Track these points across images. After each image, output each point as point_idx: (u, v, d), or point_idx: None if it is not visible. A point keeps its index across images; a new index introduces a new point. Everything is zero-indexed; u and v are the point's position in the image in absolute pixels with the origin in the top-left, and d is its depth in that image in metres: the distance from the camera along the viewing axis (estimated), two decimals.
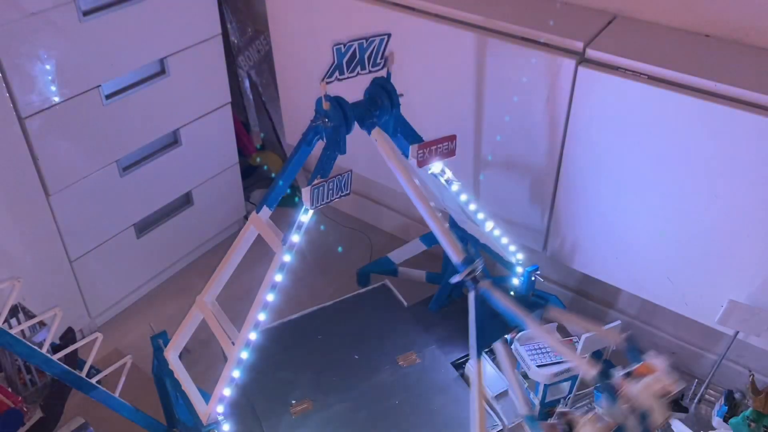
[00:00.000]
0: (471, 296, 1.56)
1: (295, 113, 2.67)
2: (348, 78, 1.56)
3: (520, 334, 2.00)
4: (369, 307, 2.37)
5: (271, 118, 3.07)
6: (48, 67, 2.01)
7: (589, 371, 1.48)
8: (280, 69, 2.60)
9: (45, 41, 1.98)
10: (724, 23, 1.84)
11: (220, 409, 1.72)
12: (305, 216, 1.58)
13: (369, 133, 1.65)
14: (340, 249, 2.77)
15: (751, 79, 1.67)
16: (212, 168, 2.71)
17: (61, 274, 2.31)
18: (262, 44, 2.92)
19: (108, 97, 2.21)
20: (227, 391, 1.70)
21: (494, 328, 1.58)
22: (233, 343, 1.68)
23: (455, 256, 1.58)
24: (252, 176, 3.11)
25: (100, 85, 2.17)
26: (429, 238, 2.44)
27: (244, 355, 1.67)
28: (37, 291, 2.20)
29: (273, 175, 3.07)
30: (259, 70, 2.96)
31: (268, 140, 3.17)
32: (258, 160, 3.11)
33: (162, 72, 2.36)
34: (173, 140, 2.51)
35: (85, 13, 2.06)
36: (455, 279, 1.56)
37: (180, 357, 1.88)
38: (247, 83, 2.96)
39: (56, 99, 2.06)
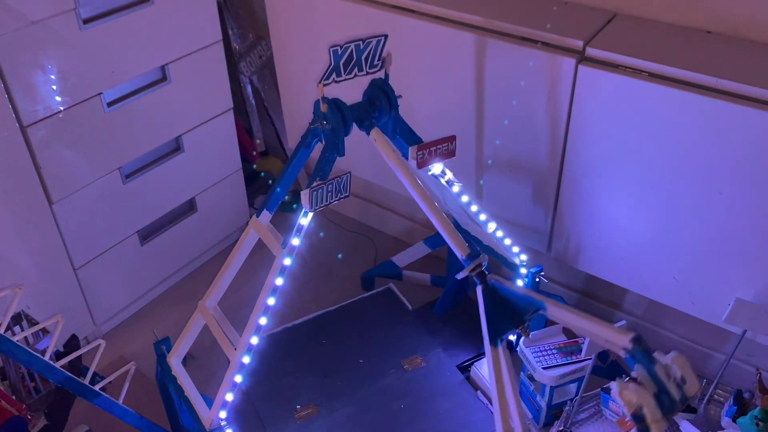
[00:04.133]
0: (479, 291, 1.55)
1: (298, 118, 2.67)
2: (345, 80, 1.56)
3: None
4: (373, 311, 2.37)
5: (274, 124, 3.07)
6: (50, 75, 2.02)
7: (622, 340, 1.36)
8: (281, 74, 2.60)
9: (46, 50, 1.99)
10: (726, 19, 1.83)
11: (222, 414, 1.72)
12: (305, 219, 1.58)
13: (368, 133, 1.65)
14: (340, 256, 2.76)
15: (753, 74, 1.65)
16: (215, 174, 2.71)
17: (66, 282, 2.31)
18: (264, 50, 2.93)
19: (110, 104, 2.22)
20: (230, 396, 1.70)
21: (504, 319, 1.56)
22: (235, 348, 1.68)
23: (460, 251, 1.56)
24: (255, 182, 3.10)
25: (101, 93, 2.17)
26: (433, 241, 2.43)
27: (246, 359, 1.67)
28: (42, 299, 2.21)
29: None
30: (261, 76, 2.96)
31: (271, 145, 3.17)
32: (261, 165, 3.11)
33: (163, 79, 2.37)
34: (176, 147, 2.52)
35: (86, 21, 2.06)
36: (461, 275, 1.55)
37: (184, 363, 1.88)
38: (249, 89, 2.96)
39: (58, 107, 2.07)
